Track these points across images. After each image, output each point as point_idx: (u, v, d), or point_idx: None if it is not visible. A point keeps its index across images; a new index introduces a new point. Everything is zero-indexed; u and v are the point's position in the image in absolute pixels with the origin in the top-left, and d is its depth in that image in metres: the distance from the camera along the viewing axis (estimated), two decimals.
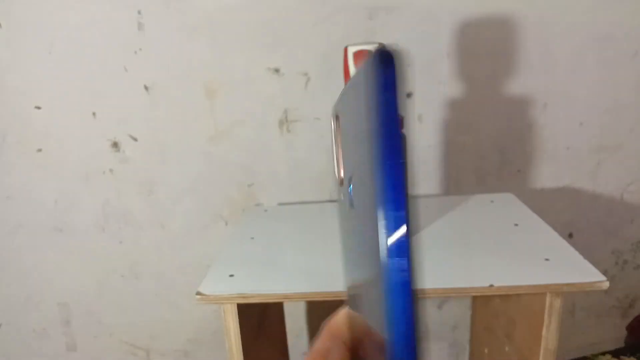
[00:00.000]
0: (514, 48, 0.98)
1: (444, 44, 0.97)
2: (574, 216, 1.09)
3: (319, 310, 1.16)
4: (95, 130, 1.03)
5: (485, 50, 0.97)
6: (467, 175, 1.03)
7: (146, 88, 1.00)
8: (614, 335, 1.18)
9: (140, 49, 0.98)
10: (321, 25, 0.96)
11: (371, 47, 0.18)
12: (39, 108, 1.02)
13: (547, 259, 0.67)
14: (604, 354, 1.17)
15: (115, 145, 1.04)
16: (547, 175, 1.05)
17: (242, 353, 0.68)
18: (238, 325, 0.67)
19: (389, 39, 0.96)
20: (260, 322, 0.85)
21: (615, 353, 1.17)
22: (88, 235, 1.09)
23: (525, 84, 0.99)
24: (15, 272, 1.12)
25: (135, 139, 1.03)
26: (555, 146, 1.03)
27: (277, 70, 0.98)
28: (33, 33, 0.97)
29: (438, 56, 0.98)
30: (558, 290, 0.64)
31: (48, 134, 1.03)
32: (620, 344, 1.19)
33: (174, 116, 1.02)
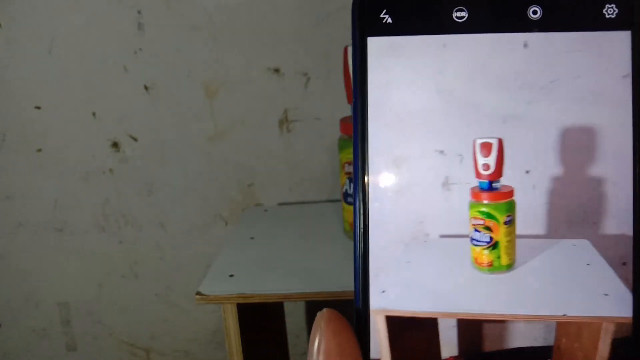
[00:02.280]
0: None
1: None
2: None
3: (319, 310, 1.15)
4: (95, 130, 1.03)
5: None
6: None
7: (146, 88, 1.00)
8: None
9: (140, 49, 0.98)
10: (321, 25, 0.96)
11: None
12: (39, 108, 1.02)
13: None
14: None
15: (115, 145, 1.04)
16: None
17: (242, 353, 0.68)
18: (238, 325, 0.67)
19: None
20: (260, 322, 0.85)
21: None
22: (88, 235, 1.09)
23: None
24: (15, 272, 1.12)
25: (135, 139, 1.03)
26: None
27: (277, 70, 0.98)
28: (33, 33, 0.97)
29: None
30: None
31: (48, 134, 1.03)
32: None
33: (174, 116, 1.02)
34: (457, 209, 0.22)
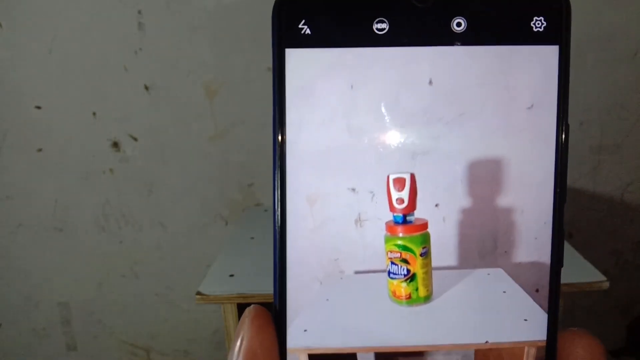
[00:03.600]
0: None
1: None
2: (574, 216, 1.09)
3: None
4: (95, 130, 1.03)
5: None
6: None
7: (146, 88, 1.00)
8: (614, 335, 1.18)
9: (140, 49, 0.98)
10: None
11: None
12: (39, 108, 1.02)
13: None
14: None
15: (115, 145, 1.04)
16: None
17: None
18: None
19: None
20: None
21: (615, 353, 1.17)
22: (88, 235, 1.09)
23: None
24: (15, 272, 1.12)
25: (135, 139, 1.03)
26: None
27: None
28: (33, 33, 0.97)
29: None
30: None
31: (48, 134, 1.03)
32: (621, 344, 1.19)
33: (174, 116, 1.02)
34: (370, 245, 0.22)
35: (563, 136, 0.20)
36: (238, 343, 0.20)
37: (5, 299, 1.13)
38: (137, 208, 1.07)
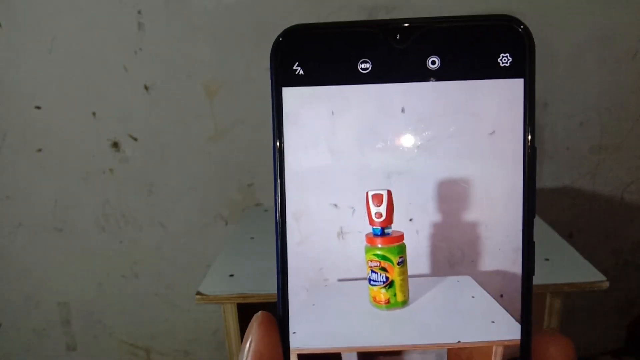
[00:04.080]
0: None
1: None
2: (574, 216, 1.09)
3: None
4: (95, 130, 1.03)
5: None
6: None
7: (146, 88, 1.00)
8: (614, 335, 1.18)
9: (140, 49, 0.98)
10: None
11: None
12: (39, 108, 1.02)
13: (547, 259, 0.67)
14: (604, 354, 1.17)
15: (115, 145, 1.04)
16: (547, 175, 1.05)
17: None
18: (238, 325, 0.67)
19: None
20: None
21: (615, 353, 1.17)
22: (88, 235, 1.09)
23: None
24: (15, 272, 1.12)
25: (135, 139, 1.03)
26: (555, 146, 1.03)
27: None
28: (33, 33, 0.97)
29: None
30: (558, 290, 0.64)
31: (48, 134, 1.03)
32: (620, 344, 1.19)
33: (174, 116, 1.02)
34: (351, 255, 0.24)
35: (529, 158, 0.23)
36: (247, 345, 0.22)
37: (5, 299, 1.13)
38: (137, 208, 1.07)
